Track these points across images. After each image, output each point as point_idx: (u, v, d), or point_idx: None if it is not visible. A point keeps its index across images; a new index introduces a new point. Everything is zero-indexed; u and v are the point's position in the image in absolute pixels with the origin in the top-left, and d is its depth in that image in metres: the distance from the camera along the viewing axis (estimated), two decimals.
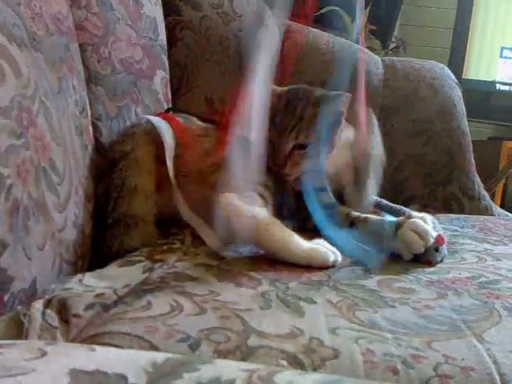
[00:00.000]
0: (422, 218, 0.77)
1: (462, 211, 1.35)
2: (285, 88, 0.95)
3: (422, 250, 0.75)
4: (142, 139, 0.85)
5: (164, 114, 0.94)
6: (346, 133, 0.94)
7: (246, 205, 0.75)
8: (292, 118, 0.89)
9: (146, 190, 0.81)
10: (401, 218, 0.79)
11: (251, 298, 0.57)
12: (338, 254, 0.73)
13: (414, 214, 0.80)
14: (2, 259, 0.52)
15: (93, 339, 0.48)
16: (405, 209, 0.94)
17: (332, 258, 0.71)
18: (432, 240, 0.75)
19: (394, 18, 2.59)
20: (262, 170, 0.88)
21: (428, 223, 0.77)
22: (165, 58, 1.16)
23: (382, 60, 1.49)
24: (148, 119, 0.89)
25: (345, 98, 0.91)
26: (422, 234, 0.75)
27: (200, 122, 0.94)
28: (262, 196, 0.81)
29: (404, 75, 1.44)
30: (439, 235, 0.77)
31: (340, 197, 0.92)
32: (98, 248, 0.76)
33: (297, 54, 1.05)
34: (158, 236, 0.79)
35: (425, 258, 0.76)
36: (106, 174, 0.81)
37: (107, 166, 0.81)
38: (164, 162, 0.83)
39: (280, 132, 0.89)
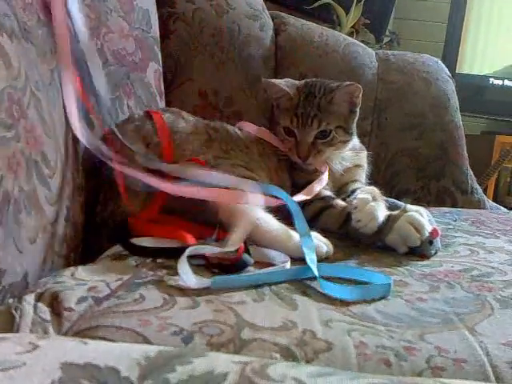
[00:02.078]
0: (417, 212, 0.78)
1: (454, 205, 1.36)
2: (302, 81, 1.00)
3: (418, 242, 0.75)
4: (132, 136, 0.84)
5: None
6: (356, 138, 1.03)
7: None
8: (312, 109, 0.94)
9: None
10: (397, 211, 0.79)
11: (244, 291, 0.57)
12: (331, 245, 0.73)
13: (410, 207, 0.80)
14: None
15: (85, 333, 0.48)
16: (398, 202, 0.94)
17: (325, 250, 0.72)
18: (427, 233, 0.76)
19: (388, 12, 2.58)
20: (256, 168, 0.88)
21: (424, 216, 0.77)
22: (158, 50, 1.15)
23: (376, 53, 1.49)
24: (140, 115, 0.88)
25: (357, 88, 0.95)
26: (418, 227, 0.75)
27: (191, 117, 0.93)
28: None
29: (398, 69, 1.44)
30: (434, 228, 0.77)
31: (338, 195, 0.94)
32: (89, 241, 0.76)
33: None
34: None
35: (419, 251, 0.76)
36: (95, 172, 0.80)
37: (97, 164, 0.80)
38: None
39: (302, 123, 0.94)
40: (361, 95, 0.97)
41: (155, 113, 0.87)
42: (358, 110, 0.98)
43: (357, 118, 1.00)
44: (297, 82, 1.01)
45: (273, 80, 1.01)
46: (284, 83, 0.99)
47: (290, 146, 0.96)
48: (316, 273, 0.61)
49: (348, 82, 0.95)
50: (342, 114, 0.96)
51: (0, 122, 0.54)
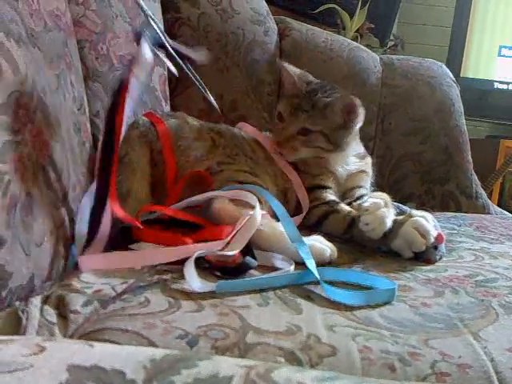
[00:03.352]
0: (423, 217, 0.78)
1: (459, 209, 1.36)
2: (319, 80, 1.01)
3: (424, 248, 0.75)
4: (137, 142, 0.84)
5: (152, 115, 0.93)
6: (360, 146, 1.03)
7: (239, 208, 0.75)
8: (307, 103, 0.94)
9: (139, 194, 0.80)
10: (402, 216, 0.79)
11: (249, 295, 0.57)
12: (335, 249, 0.73)
13: (415, 212, 0.80)
14: (0, 255, 0.52)
15: (91, 335, 0.48)
16: (403, 207, 0.94)
17: (328, 253, 0.72)
18: (433, 239, 0.76)
19: (392, 16, 2.59)
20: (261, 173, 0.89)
21: (429, 222, 0.77)
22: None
23: (380, 58, 1.49)
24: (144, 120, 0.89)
25: (353, 105, 0.93)
26: (423, 233, 0.75)
27: (196, 123, 0.94)
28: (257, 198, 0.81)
29: (402, 73, 1.44)
30: (439, 234, 0.77)
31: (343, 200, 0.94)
32: None
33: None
34: None
35: (424, 256, 0.76)
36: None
37: None
38: (159, 166, 0.83)
39: (292, 112, 0.94)
40: (360, 115, 0.94)
41: (158, 121, 0.88)
42: (352, 128, 0.95)
43: (350, 136, 0.96)
44: (314, 79, 1.01)
45: (287, 65, 1.01)
46: (298, 72, 1.00)
47: (276, 131, 0.97)
48: (317, 276, 0.61)
49: (348, 96, 0.94)
50: (332, 123, 0.94)
51: (7, 126, 0.55)
